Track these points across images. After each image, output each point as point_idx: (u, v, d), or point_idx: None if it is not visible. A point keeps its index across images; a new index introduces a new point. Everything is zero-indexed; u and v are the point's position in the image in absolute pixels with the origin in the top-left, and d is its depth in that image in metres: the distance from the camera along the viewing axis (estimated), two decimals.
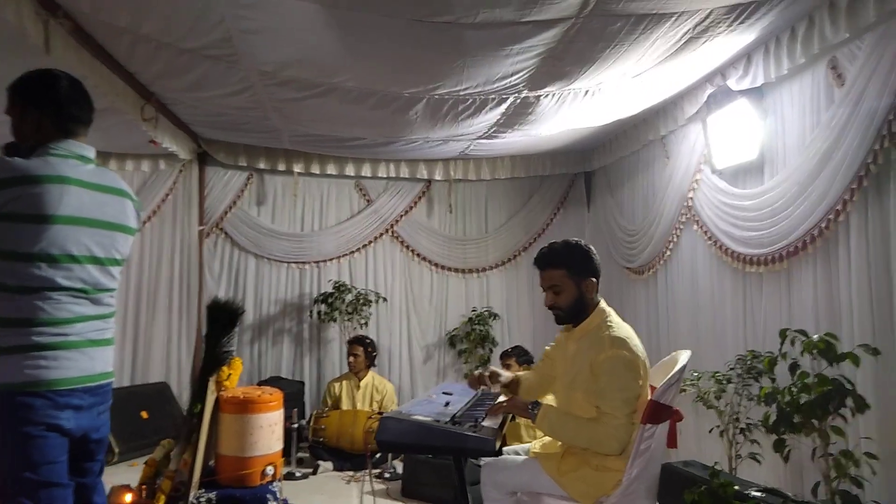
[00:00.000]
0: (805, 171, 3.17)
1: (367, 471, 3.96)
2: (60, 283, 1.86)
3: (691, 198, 4.36)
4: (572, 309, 2.47)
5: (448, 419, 2.19)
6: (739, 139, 3.83)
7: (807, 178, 3.15)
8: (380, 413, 2.25)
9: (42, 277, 1.83)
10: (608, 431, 2.22)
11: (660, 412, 2.30)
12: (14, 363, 1.79)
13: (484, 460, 2.52)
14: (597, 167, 6.08)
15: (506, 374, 2.66)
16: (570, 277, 2.44)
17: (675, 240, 4.63)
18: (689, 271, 4.47)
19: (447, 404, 2.49)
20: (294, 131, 4.92)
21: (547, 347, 2.74)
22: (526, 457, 2.55)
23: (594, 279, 2.47)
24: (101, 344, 2.01)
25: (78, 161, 1.96)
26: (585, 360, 2.37)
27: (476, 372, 2.67)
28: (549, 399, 2.61)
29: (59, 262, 1.86)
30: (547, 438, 2.61)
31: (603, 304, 2.51)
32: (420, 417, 2.14)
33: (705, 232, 4.19)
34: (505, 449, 2.74)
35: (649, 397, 2.34)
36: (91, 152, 2.02)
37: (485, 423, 2.24)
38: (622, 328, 2.42)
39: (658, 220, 4.81)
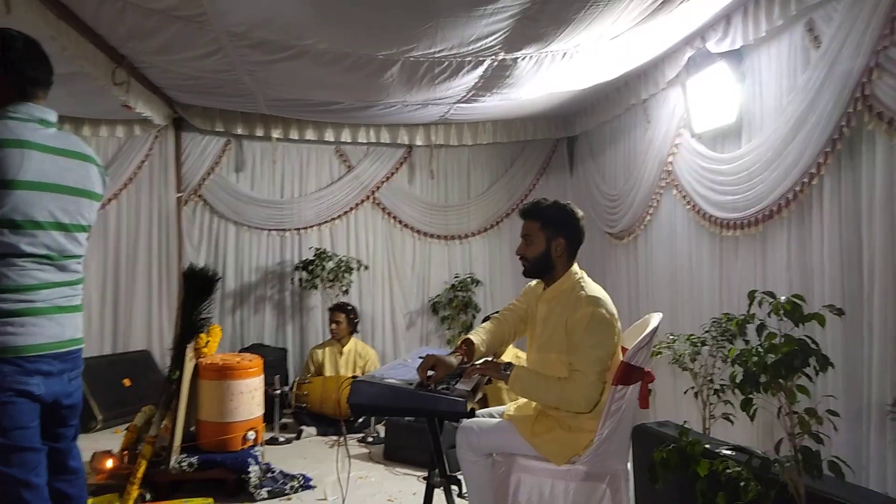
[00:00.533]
0: (780, 135, 3.17)
1: (342, 436, 4.00)
2: (24, 250, 1.84)
3: (671, 162, 4.36)
4: (537, 263, 2.49)
5: (421, 382, 2.21)
6: (718, 103, 3.82)
7: (782, 142, 3.15)
8: (354, 377, 2.25)
9: (5, 244, 1.81)
10: (578, 389, 2.25)
11: (631, 373, 2.34)
12: None
13: (460, 423, 2.55)
14: (579, 132, 6.05)
15: (450, 362, 2.35)
16: (541, 230, 2.47)
17: (655, 204, 4.64)
18: (668, 236, 4.50)
19: None
20: (269, 95, 4.84)
21: (514, 301, 2.74)
22: (500, 419, 2.58)
23: (564, 240, 2.46)
24: (70, 310, 2.00)
25: (39, 125, 1.91)
26: (560, 320, 2.39)
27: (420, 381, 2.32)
28: (511, 353, 2.59)
29: (23, 227, 1.83)
30: (521, 401, 2.64)
31: (575, 267, 2.52)
32: (392, 380, 2.16)
33: (684, 196, 4.20)
34: (480, 411, 2.77)
35: (621, 359, 2.37)
36: (52, 115, 1.98)
37: (458, 386, 2.25)
38: (595, 288, 2.44)
39: (638, 184, 4.81)
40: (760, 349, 2.07)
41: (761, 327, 2.08)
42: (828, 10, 2.95)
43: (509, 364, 2.44)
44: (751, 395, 2.12)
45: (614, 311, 2.40)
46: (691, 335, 3.46)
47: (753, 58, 3.60)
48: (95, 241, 5.63)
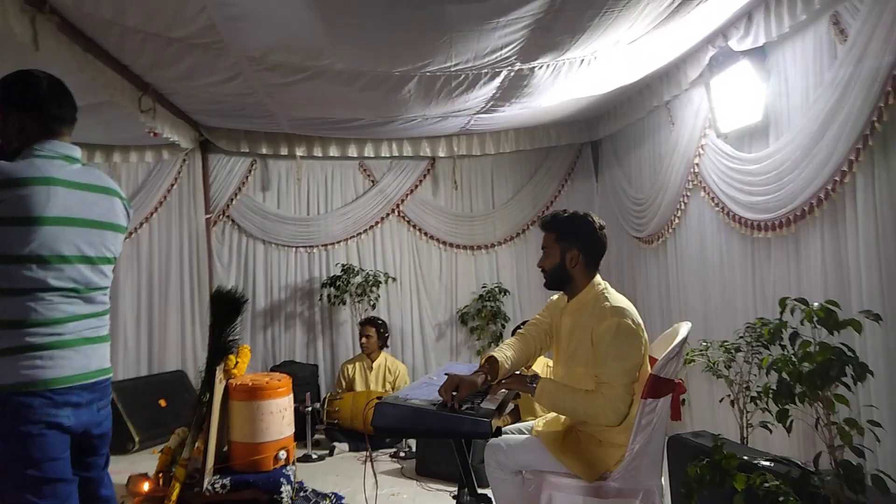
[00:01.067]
0: (809, 133, 3.07)
1: (367, 452, 3.98)
2: (51, 284, 1.87)
3: (697, 164, 4.27)
4: (552, 274, 2.48)
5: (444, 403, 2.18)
6: (743, 102, 3.73)
7: (811, 139, 3.06)
8: (378, 398, 2.23)
9: (33, 279, 1.84)
10: (606, 403, 2.20)
11: (660, 386, 2.28)
12: (10, 364, 1.81)
13: (488, 440, 2.51)
14: (603, 136, 5.97)
15: (473, 380, 2.28)
16: (556, 242, 2.45)
17: (682, 207, 4.55)
18: (698, 239, 4.40)
19: None
20: (291, 115, 4.89)
21: (537, 316, 2.70)
22: (528, 435, 2.54)
23: (579, 252, 2.42)
24: (97, 341, 2.02)
25: (64, 161, 1.96)
26: (585, 332, 2.35)
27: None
28: (542, 363, 2.55)
29: (50, 262, 1.86)
30: (550, 416, 2.60)
31: (598, 278, 2.47)
32: (416, 401, 2.13)
33: (712, 198, 4.11)
34: (509, 427, 2.74)
35: (650, 370, 2.32)
36: (77, 152, 2.02)
37: (483, 405, 2.22)
38: (620, 299, 2.39)
39: (665, 187, 4.72)
40: (795, 358, 2.00)
41: (794, 336, 2.01)
42: (853, 3, 2.86)
43: (536, 376, 2.40)
44: (786, 406, 2.05)
45: (640, 321, 2.34)
46: (725, 341, 3.37)
47: (778, 54, 3.51)
48: (129, 264, 5.76)
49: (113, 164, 5.72)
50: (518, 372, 2.56)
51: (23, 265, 1.82)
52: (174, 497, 3.26)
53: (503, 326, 6.00)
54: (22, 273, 1.82)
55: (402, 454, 4.64)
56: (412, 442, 4.68)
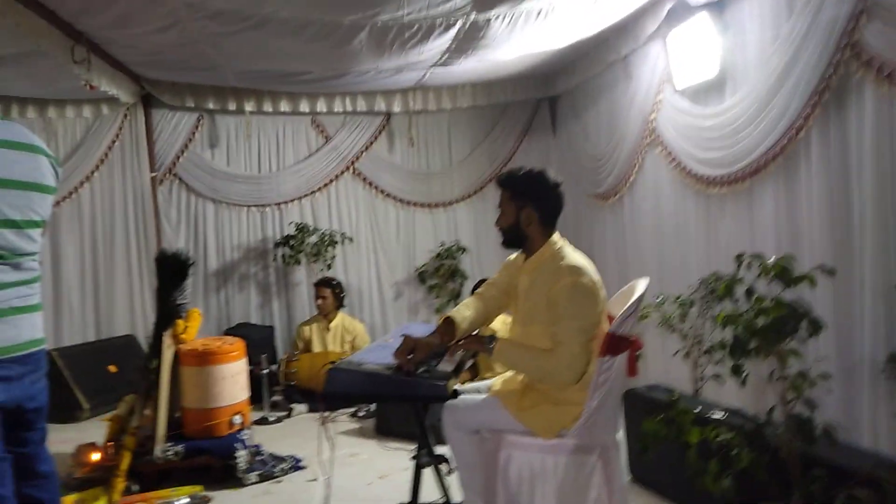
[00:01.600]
0: (765, 88, 3.06)
1: (322, 414, 3.94)
2: None
3: (654, 119, 4.24)
4: (508, 233, 2.43)
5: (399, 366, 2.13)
6: (700, 56, 3.69)
7: (767, 94, 3.04)
8: (332, 362, 2.17)
9: None
10: (563, 361, 2.18)
11: (618, 344, 2.27)
12: None
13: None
14: (561, 91, 5.89)
15: (429, 342, 2.27)
16: (511, 200, 2.39)
17: (639, 163, 4.54)
18: (654, 195, 4.41)
19: None
20: (237, 68, 4.66)
21: (495, 275, 2.66)
22: (486, 395, 2.52)
23: (534, 210, 2.36)
24: (27, 310, 1.90)
25: None
26: (542, 291, 2.32)
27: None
28: (500, 320, 2.52)
29: None
30: (507, 375, 2.58)
31: (556, 236, 2.43)
32: (369, 366, 2.08)
33: (668, 154, 4.10)
34: (466, 387, 2.72)
35: (607, 329, 2.30)
36: None
37: (439, 367, 2.18)
38: (577, 257, 2.35)
39: (622, 143, 4.70)
40: (751, 313, 2.01)
41: (749, 292, 2.01)
42: None
43: (493, 337, 2.36)
44: (741, 362, 2.07)
45: (597, 279, 2.32)
46: (679, 296, 3.41)
47: (735, 8, 3.46)
48: (70, 225, 5.50)
49: (48, 120, 5.40)
50: (476, 332, 2.52)
51: None
52: (124, 466, 3.17)
53: (461, 284, 5.98)
54: None
55: (361, 414, 4.62)
56: None
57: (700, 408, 2.62)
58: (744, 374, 2.07)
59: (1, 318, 1.80)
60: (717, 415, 2.54)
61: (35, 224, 1.92)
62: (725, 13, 3.53)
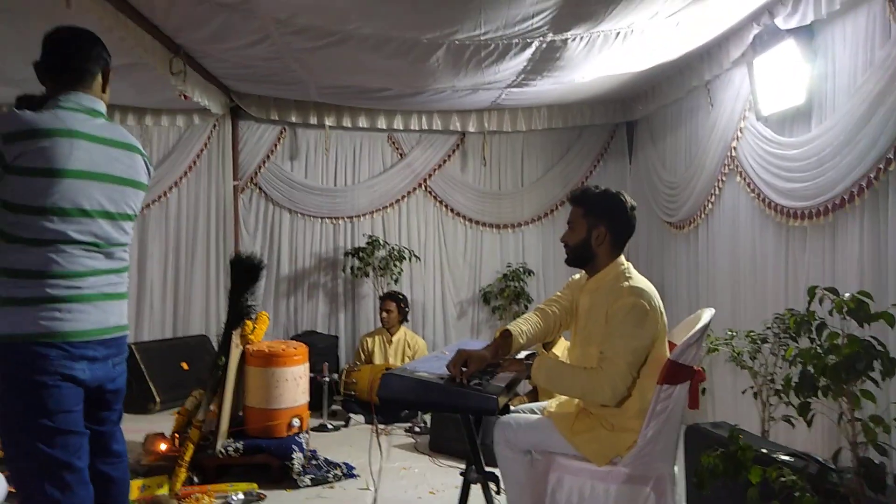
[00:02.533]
0: (854, 117, 2.91)
1: (374, 422, 3.99)
2: (72, 237, 1.87)
3: (735, 147, 4.11)
4: (576, 250, 2.40)
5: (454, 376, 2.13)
6: (786, 83, 3.56)
7: (855, 124, 2.89)
8: (388, 369, 2.20)
9: (54, 230, 1.84)
10: (605, 379, 2.13)
11: (678, 372, 2.20)
12: (30, 314, 1.82)
13: (498, 418, 2.47)
14: (639, 116, 5.81)
15: (482, 356, 2.25)
16: (584, 217, 2.37)
17: (717, 192, 4.40)
18: (731, 225, 4.26)
19: None
20: (320, 83, 4.85)
21: (557, 293, 2.63)
22: (540, 416, 2.49)
23: (606, 229, 2.34)
24: (115, 297, 2.02)
25: (87, 115, 1.95)
26: (601, 311, 2.28)
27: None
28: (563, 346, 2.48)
29: (71, 215, 1.86)
30: (563, 398, 2.54)
31: (622, 259, 2.39)
32: (422, 374, 2.09)
33: (748, 184, 3.95)
34: (521, 406, 2.69)
35: (667, 355, 2.24)
36: (101, 106, 2.01)
37: (493, 382, 2.17)
38: (641, 281, 2.30)
39: (700, 171, 4.57)
40: (820, 350, 1.90)
41: (821, 326, 1.90)
42: None
43: (532, 354, 2.35)
44: (808, 400, 1.95)
45: (658, 304, 2.26)
46: (751, 331, 3.26)
47: (826, 34, 3.32)
48: (157, 227, 5.83)
49: (145, 127, 5.77)
50: (523, 353, 2.50)
51: (44, 217, 1.82)
52: (187, 457, 3.30)
53: (526, 307, 5.92)
54: (43, 224, 1.82)
55: (416, 429, 4.64)
56: (427, 417, 4.67)
57: (764, 448, 2.49)
58: (811, 415, 1.95)
59: (91, 302, 1.92)
60: (782, 456, 2.40)
61: (128, 217, 2.05)
62: (816, 39, 3.39)
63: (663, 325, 2.27)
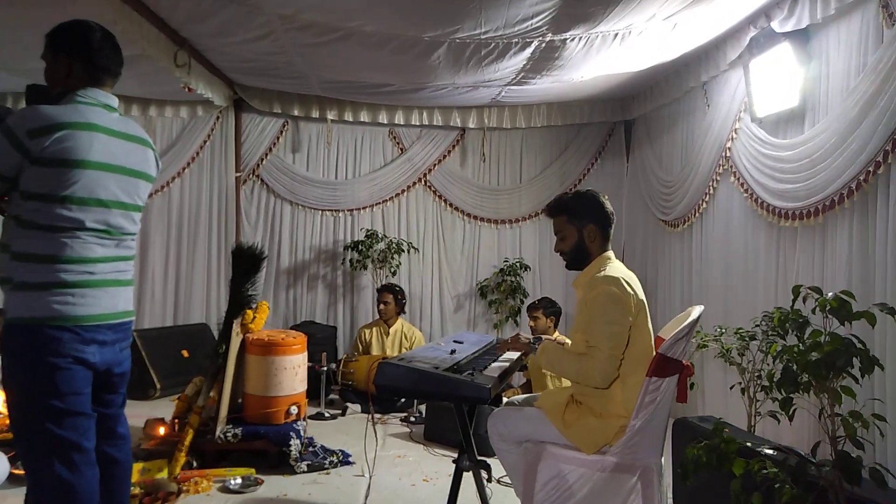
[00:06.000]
0: (846, 119, 2.97)
1: (370, 411, 4.08)
2: (87, 225, 1.94)
3: (729, 148, 4.17)
4: (574, 253, 2.52)
5: (448, 366, 2.21)
6: (781, 85, 3.61)
7: (847, 126, 2.96)
8: (384, 358, 2.27)
9: (71, 218, 1.91)
10: (594, 363, 2.27)
11: (666, 365, 2.27)
12: (43, 298, 1.88)
13: (492, 409, 2.55)
14: (637, 115, 5.86)
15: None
16: (569, 223, 2.50)
17: (711, 192, 4.47)
18: (724, 224, 4.32)
19: (453, 352, 2.52)
20: (322, 77, 4.90)
21: None
22: (531, 407, 2.57)
23: (594, 226, 2.48)
24: (123, 284, 2.10)
25: (104, 109, 2.02)
26: (584, 301, 2.42)
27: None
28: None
29: (88, 205, 1.93)
30: (552, 389, 2.62)
31: (609, 253, 2.49)
32: (418, 364, 2.16)
33: (741, 184, 4.02)
34: (513, 398, 2.77)
35: (654, 350, 2.31)
36: (115, 102, 2.09)
37: (486, 372, 2.25)
38: (616, 269, 2.42)
39: (695, 171, 4.63)
40: (803, 347, 1.97)
41: (804, 324, 1.97)
42: None
43: (538, 338, 2.48)
44: (791, 395, 2.03)
45: (633, 290, 2.37)
46: (739, 329, 3.33)
47: (821, 38, 3.38)
48: (159, 217, 5.89)
49: (149, 118, 5.82)
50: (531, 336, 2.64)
51: (63, 205, 1.89)
52: (187, 442, 3.37)
53: (522, 302, 6.00)
54: (61, 212, 1.90)
55: (412, 419, 4.71)
56: (423, 407, 4.74)
57: (749, 442, 2.56)
58: (792, 409, 2.02)
59: (102, 287, 1.99)
60: (766, 449, 2.47)
61: (138, 208, 2.13)
62: (811, 43, 3.45)
63: (642, 309, 2.38)
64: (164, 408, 4.54)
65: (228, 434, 3.52)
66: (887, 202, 2.81)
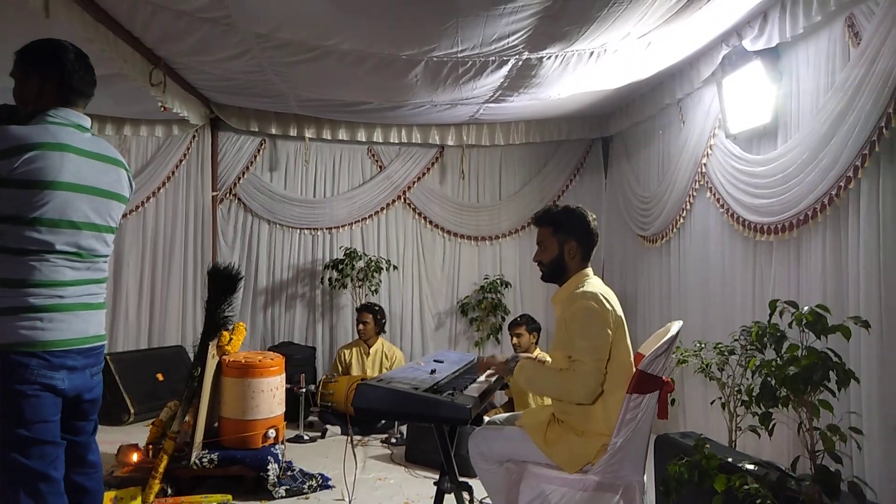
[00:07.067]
0: (817, 136, 3.03)
1: (349, 433, 4.03)
2: (57, 248, 1.90)
3: (705, 164, 4.22)
4: (551, 266, 2.54)
5: (427, 387, 2.18)
6: (754, 102, 3.68)
7: (818, 142, 3.01)
8: (362, 380, 2.24)
9: (40, 241, 1.87)
10: (577, 378, 2.25)
11: (646, 382, 2.27)
12: (9, 323, 1.83)
13: (472, 430, 2.52)
14: (614, 132, 5.93)
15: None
16: (553, 236, 2.52)
17: (688, 207, 4.51)
18: (701, 239, 4.36)
19: (433, 371, 2.49)
20: (300, 95, 4.88)
21: None
22: (512, 426, 2.54)
23: (576, 243, 2.49)
24: (95, 307, 2.05)
25: (75, 129, 1.98)
26: (563, 318, 2.42)
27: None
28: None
29: (59, 227, 1.90)
30: (533, 408, 2.60)
31: (588, 270, 2.50)
32: (397, 384, 2.13)
33: (717, 199, 4.06)
34: (493, 417, 2.74)
35: (634, 367, 2.30)
36: (87, 122, 2.05)
37: (466, 392, 2.22)
38: (594, 286, 2.43)
39: (672, 186, 4.68)
40: (780, 361, 1.98)
41: (781, 339, 1.99)
42: (869, 5, 2.80)
43: (514, 357, 2.47)
44: (770, 410, 2.03)
45: (611, 306, 2.38)
46: (719, 343, 3.35)
47: (791, 56, 3.45)
48: (134, 237, 5.79)
49: (123, 137, 5.75)
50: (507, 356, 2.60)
51: (32, 227, 1.85)
52: (161, 469, 3.29)
53: (503, 319, 5.98)
54: (31, 235, 1.85)
55: (393, 440, 4.65)
56: (404, 428, 4.69)
57: (730, 458, 2.56)
58: (772, 424, 2.03)
59: (72, 311, 1.94)
60: (747, 465, 2.47)
61: (110, 230, 2.09)
62: (781, 60, 3.52)
63: (620, 325, 2.38)
64: (138, 433, 4.44)
65: (204, 460, 3.44)
66: (858, 216, 2.85)
